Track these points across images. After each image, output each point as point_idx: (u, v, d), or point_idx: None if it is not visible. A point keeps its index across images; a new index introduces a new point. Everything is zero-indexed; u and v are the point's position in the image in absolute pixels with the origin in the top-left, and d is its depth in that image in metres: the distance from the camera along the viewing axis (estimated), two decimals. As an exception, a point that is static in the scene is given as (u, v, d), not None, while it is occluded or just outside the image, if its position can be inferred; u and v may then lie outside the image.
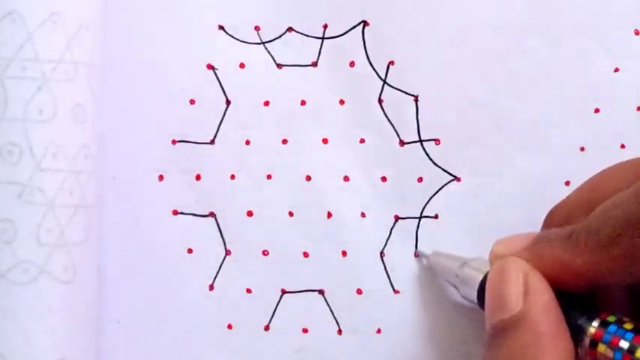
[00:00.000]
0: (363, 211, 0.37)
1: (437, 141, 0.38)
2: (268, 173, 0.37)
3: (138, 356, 0.37)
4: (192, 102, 0.37)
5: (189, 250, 0.37)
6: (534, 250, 0.30)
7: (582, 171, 0.37)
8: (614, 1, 0.37)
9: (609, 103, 0.37)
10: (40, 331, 0.32)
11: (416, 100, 0.38)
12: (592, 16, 0.37)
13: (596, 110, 0.37)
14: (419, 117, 0.37)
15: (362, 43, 0.37)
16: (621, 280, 0.28)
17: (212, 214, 0.37)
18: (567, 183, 0.37)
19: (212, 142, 0.37)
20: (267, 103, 0.38)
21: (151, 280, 0.37)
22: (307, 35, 0.38)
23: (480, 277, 0.32)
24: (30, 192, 0.32)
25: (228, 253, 0.37)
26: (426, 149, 0.38)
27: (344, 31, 0.37)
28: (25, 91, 0.32)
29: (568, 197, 0.33)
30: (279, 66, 0.38)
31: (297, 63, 0.38)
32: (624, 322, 0.28)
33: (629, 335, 0.27)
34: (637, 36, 0.37)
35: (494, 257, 0.32)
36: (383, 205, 0.37)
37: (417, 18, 0.37)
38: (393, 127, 0.38)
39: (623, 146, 0.37)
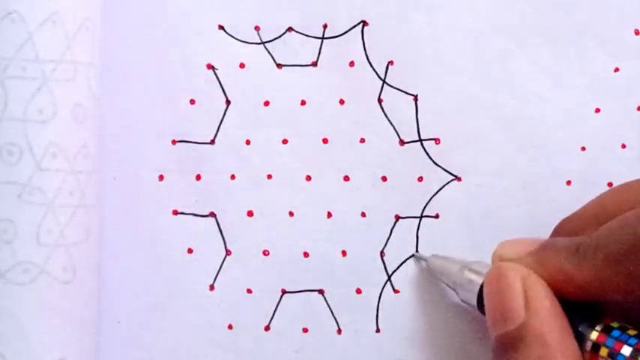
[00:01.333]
0: (363, 211, 0.37)
1: (437, 140, 0.37)
2: (268, 173, 0.37)
3: (138, 356, 0.37)
4: (192, 102, 0.37)
5: (190, 250, 0.37)
6: (539, 257, 0.30)
7: (582, 171, 0.37)
8: (614, 1, 0.37)
9: (609, 103, 0.37)
10: (40, 331, 0.32)
11: (415, 99, 0.37)
12: (592, 16, 0.37)
13: (597, 110, 0.37)
14: (418, 116, 0.37)
15: (361, 42, 0.37)
16: (622, 299, 0.28)
17: (212, 214, 0.37)
18: (568, 183, 0.37)
19: (212, 142, 0.37)
20: (267, 103, 0.38)
21: (151, 280, 0.37)
22: (307, 35, 0.38)
23: (480, 282, 0.32)
24: (30, 192, 0.32)
25: (228, 253, 0.37)
26: (426, 149, 0.37)
27: (343, 31, 0.37)
28: (25, 91, 0.32)
29: (579, 210, 0.33)
30: (279, 66, 0.38)
31: (297, 63, 0.38)
32: (628, 329, 0.28)
33: (633, 341, 0.27)
34: (637, 36, 0.37)
35: (497, 259, 0.32)
36: (383, 205, 0.37)
37: (416, 18, 0.37)
38: (393, 126, 0.38)
39: (624, 146, 0.37)
